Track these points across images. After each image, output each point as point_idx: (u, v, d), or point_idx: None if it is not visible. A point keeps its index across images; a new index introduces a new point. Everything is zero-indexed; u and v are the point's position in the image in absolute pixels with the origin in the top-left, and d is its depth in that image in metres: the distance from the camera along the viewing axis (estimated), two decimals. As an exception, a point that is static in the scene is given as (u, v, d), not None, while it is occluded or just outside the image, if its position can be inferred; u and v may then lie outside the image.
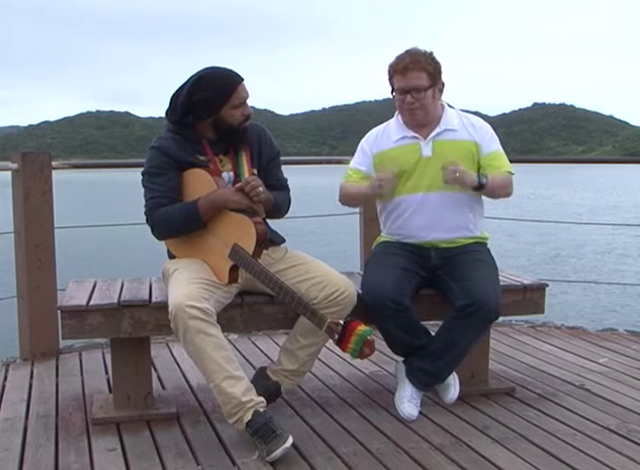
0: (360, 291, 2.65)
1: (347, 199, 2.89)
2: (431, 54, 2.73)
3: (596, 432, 2.53)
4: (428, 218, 2.76)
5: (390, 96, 2.81)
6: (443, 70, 2.76)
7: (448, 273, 2.72)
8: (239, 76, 2.51)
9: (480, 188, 2.68)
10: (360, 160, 2.88)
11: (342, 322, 2.29)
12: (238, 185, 2.45)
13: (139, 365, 2.66)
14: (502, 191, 2.78)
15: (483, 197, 2.86)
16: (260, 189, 2.42)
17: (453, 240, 2.77)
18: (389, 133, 2.85)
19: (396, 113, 2.86)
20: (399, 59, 2.71)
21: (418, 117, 2.76)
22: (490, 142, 2.82)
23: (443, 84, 2.79)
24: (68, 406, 2.79)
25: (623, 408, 2.77)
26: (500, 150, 2.83)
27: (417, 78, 2.68)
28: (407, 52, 2.72)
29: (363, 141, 2.91)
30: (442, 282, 2.74)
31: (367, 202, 2.93)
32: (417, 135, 2.79)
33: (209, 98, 2.47)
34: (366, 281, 2.71)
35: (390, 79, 2.77)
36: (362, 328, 2.27)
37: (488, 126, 2.86)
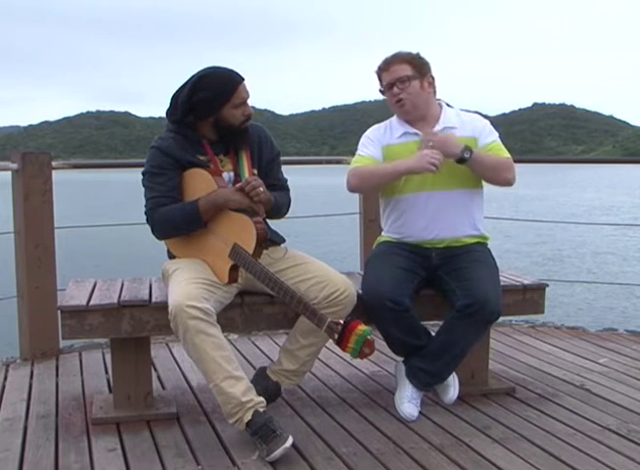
0: (360, 291, 2.65)
1: (369, 180, 2.76)
2: (416, 53, 2.78)
3: (596, 432, 2.53)
4: (430, 217, 2.76)
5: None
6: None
7: (448, 273, 2.72)
8: (239, 76, 2.52)
9: (462, 161, 2.65)
10: (370, 148, 2.83)
11: (341, 322, 2.29)
12: (238, 185, 2.45)
13: (139, 365, 2.66)
14: (497, 170, 2.73)
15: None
16: (261, 189, 2.42)
17: (456, 238, 2.77)
18: (392, 129, 2.86)
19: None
20: (383, 59, 2.78)
21: (407, 107, 2.76)
22: (488, 134, 2.82)
23: (433, 78, 2.79)
24: (68, 406, 2.79)
25: (623, 408, 2.77)
26: (498, 141, 2.82)
27: (399, 70, 2.73)
28: (391, 54, 2.79)
29: (368, 133, 2.89)
30: (442, 282, 2.74)
31: (389, 183, 2.76)
32: (418, 132, 2.79)
33: (210, 97, 2.47)
34: (366, 281, 2.71)
35: (380, 82, 2.81)
36: (362, 328, 2.27)
37: (486, 121, 2.87)
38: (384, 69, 2.77)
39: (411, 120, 2.82)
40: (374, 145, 2.83)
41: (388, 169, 2.72)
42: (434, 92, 2.83)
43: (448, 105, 2.89)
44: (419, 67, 2.75)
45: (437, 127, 2.79)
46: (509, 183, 2.76)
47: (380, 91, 2.83)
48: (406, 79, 2.73)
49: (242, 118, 2.53)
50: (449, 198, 2.74)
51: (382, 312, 2.58)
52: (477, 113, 2.98)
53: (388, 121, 2.90)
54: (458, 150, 2.64)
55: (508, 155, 2.81)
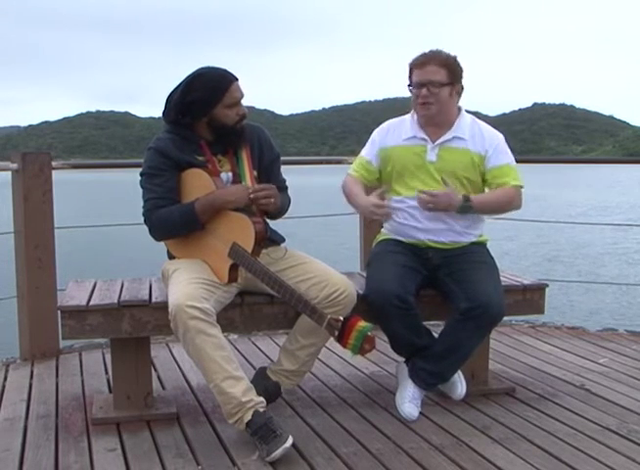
0: (361, 291, 2.65)
1: (345, 194, 2.88)
2: (454, 57, 2.72)
3: (596, 432, 2.53)
4: (426, 222, 2.74)
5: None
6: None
7: (449, 275, 2.71)
8: (233, 76, 2.51)
9: (463, 211, 2.66)
10: (369, 149, 2.90)
11: (341, 318, 2.29)
12: (251, 191, 2.43)
13: (139, 365, 2.66)
14: (503, 207, 2.77)
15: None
16: (272, 200, 2.42)
17: (447, 243, 2.77)
18: (402, 130, 2.84)
19: (412, 110, 2.83)
20: (420, 54, 2.72)
21: (432, 111, 2.72)
22: (498, 155, 2.76)
23: (462, 88, 2.75)
24: (68, 406, 2.79)
25: (623, 408, 2.77)
26: (509, 163, 2.77)
27: (435, 72, 2.67)
28: (430, 50, 2.73)
29: (375, 132, 2.91)
30: (443, 284, 2.73)
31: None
32: (426, 138, 2.77)
33: (203, 98, 2.47)
34: (370, 280, 2.70)
35: (410, 77, 2.75)
36: (362, 324, 2.27)
37: (499, 138, 2.80)
38: (419, 65, 2.69)
39: (424, 123, 2.79)
40: (373, 147, 2.88)
41: (358, 201, 2.77)
42: (459, 99, 2.79)
43: (468, 112, 2.84)
44: (454, 74, 2.69)
45: (447, 136, 2.75)
46: (516, 210, 2.81)
47: (408, 86, 2.76)
48: (439, 85, 2.67)
49: (236, 118, 2.52)
50: None
51: (388, 310, 2.57)
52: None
53: (401, 119, 2.87)
54: (457, 204, 2.62)
55: (516, 179, 2.75)
